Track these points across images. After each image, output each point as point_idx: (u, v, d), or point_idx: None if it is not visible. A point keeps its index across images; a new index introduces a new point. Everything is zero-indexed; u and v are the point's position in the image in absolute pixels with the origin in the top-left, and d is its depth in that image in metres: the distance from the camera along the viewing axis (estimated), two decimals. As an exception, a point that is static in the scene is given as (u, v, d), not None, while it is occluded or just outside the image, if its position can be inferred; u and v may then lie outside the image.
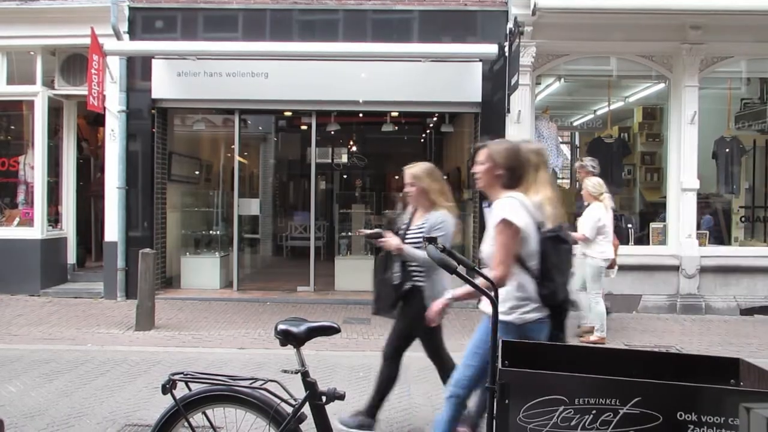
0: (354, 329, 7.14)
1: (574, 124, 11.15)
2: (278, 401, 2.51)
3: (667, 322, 7.86)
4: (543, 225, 3.13)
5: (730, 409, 1.95)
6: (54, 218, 9.40)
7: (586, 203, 6.81)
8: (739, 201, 9.38)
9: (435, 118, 11.15)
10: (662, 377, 2.20)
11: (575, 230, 6.65)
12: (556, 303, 3.05)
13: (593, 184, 6.71)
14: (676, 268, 8.47)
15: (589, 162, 7.09)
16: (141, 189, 8.79)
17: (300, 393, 2.56)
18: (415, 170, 4.06)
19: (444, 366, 4.06)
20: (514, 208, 2.91)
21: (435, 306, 3.28)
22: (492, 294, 2.47)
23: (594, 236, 6.56)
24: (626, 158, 9.52)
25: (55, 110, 9.30)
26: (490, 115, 8.59)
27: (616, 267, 7.15)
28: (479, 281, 2.56)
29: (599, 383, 2.08)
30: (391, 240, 3.97)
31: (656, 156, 9.55)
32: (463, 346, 6.14)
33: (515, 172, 3.05)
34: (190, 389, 2.58)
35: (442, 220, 3.93)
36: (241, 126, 9.49)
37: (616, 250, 7.03)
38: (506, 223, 2.87)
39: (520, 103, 8.36)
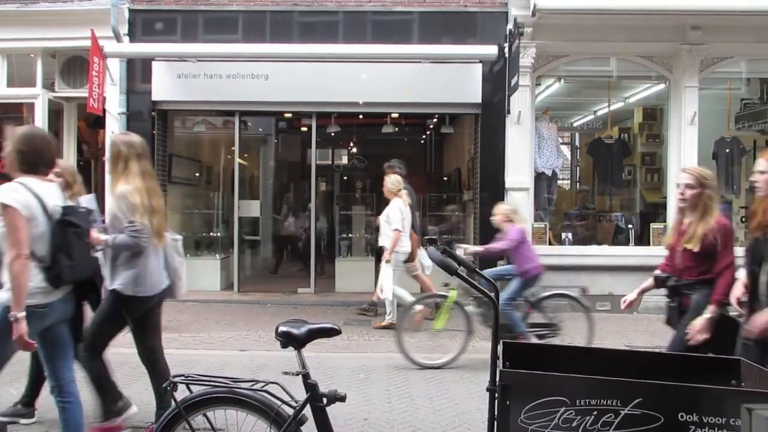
0: (354, 331, 7.13)
1: (575, 124, 11.16)
2: (279, 403, 2.51)
3: (668, 323, 7.84)
4: (58, 210, 3.24)
5: (732, 409, 1.95)
6: (54, 220, 9.38)
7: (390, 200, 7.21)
8: (740, 201, 9.38)
9: (435, 120, 11.15)
10: (663, 378, 2.19)
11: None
12: (62, 284, 3.22)
13: (392, 181, 7.14)
14: (676, 269, 8.46)
15: (396, 163, 7.69)
16: (141, 191, 8.78)
17: (301, 395, 2.56)
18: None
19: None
20: (13, 192, 3.06)
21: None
22: (492, 295, 2.47)
23: (403, 228, 6.91)
24: (626, 159, 9.53)
25: (55, 112, 9.29)
26: (490, 116, 8.59)
27: (417, 261, 7.49)
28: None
29: (600, 384, 2.08)
30: None
31: (656, 156, 9.55)
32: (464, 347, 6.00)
33: (27, 157, 3.20)
34: (191, 391, 2.58)
35: None
36: (242, 128, 9.50)
37: (416, 245, 7.33)
38: (4, 207, 3.01)
39: (520, 104, 8.36)
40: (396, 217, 6.93)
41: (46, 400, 4.70)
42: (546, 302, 5.99)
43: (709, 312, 3.57)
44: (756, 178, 3.54)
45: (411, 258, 7.28)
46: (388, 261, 6.79)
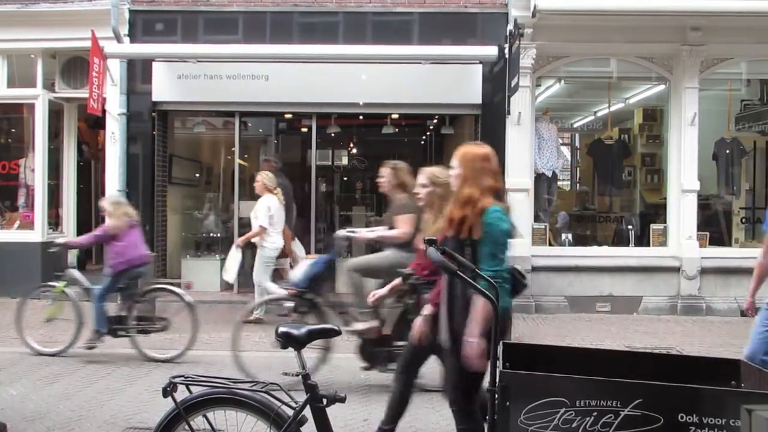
0: (355, 331, 7.12)
1: (575, 125, 11.16)
2: (279, 404, 2.50)
3: (667, 324, 7.86)
4: None
5: (731, 410, 1.95)
6: (54, 221, 9.40)
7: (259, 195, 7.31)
8: (740, 202, 9.38)
9: (435, 120, 11.14)
10: (663, 379, 2.20)
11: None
12: None
13: (268, 177, 7.25)
14: (676, 270, 8.46)
15: (273, 157, 7.80)
16: (141, 192, 8.79)
17: (301, 396, 2.56)
18: None
19: None
20: None
21: None
22: (492, 296, 2.47)
23: (268, 225, 7.05)
24: (626, 160, 9.53)
25: (55, 113, 9.30)
26: (491, 117, 8.59)
27: (296, 257, 7.78)
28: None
29: (600, 385, 2.08)
30: None
31: (656, 157, 9.55)
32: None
33: None
34: (190, 392, 2.58)
35: None
36: (242, 128, 9.49)
37: (289, 241, 7.54)
38: None
39: (521, 104, 8.36)
40: (262, 214, 7.04)
41: (46, 401, 4.71)
42: (150, 296, 6.15)
43: (425, 311, 3.53)
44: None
45: (284, 254, 7.48)
46: (238, 246, 7.13)
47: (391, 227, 5.05)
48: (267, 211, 7.06)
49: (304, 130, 10.31)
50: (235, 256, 7.27)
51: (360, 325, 4.97)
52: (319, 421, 2.55)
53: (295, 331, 2.59)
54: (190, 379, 2.56)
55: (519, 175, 8.49)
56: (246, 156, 11.12)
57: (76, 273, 6.36)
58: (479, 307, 2.86)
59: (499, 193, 3.15)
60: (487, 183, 3.06)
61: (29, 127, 9.22)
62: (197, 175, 11.02)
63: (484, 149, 3.21)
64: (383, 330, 4.88)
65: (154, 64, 8.64)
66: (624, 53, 8.71)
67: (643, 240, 9.01)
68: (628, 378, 2.13)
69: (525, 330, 7.42)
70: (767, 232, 4.27)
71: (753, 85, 9.56)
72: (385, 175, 5.24)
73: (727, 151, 9.05)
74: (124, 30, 8.55)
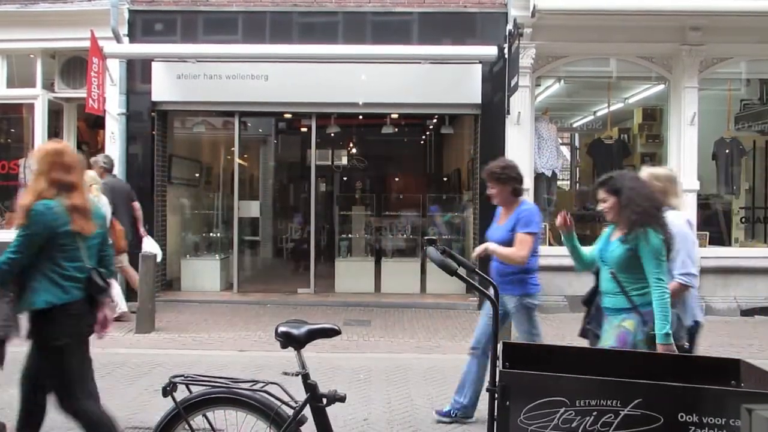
0: (354, 331, 7.14)
1: (574, 125, 11.16)
2: (279, 403, 2.51)
3: (667, 324, 7.84)
4: None
5: (731, 410, 1.95)
6: (54, 221, 9.38)
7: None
8: (740, 202, 9.38)
9: (435, 120, 11.15)
10: (663, 378, 2.20)
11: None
12: None
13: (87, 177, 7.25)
14: (676, 269, 8.45)
15: (101, 158, 7.69)
16: (141, 192, 8.78)
17: (301, 395, 2.56)
18: None
19: None
20: None
21: None
22: (492, 295, 2.47)
23: None
24: (626, 159, 9.52)
25: (55, 113, 9.30)
26: (490, 116, 8.59)
27: (125, 253, 7.71)
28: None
29: (600, 384, 2.08)
30: None
31: (656, 157, 9.54)
32: (464, 347, 6.08)
33: None
34: (190, 392, 2.58)
35: None
36: (241, 128, 9.49)
37: (121, 236, 7.50)
38: None
39: (520, 104, 8.36)
40: None
41: (53, 401, 4.70)
42: None
43: None
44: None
45: (118, 251, 7.48)
46: None
47: None
48: None
49: (304, 130, 10.32)
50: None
51: None
52: (319, 420, 2.55)
53: (295, 331, 2.60)
54: (190, 378, 2.56)
55: (519, 175, 8.49)
56: (246, 156, 11.13)
57: None
58: None
59: (70, 186, 3.22)
60: (55, 176, 3.19)
61: (29, 127, 9.21)
62: (197, 175, 11.02)
63: (58, 145, 3.36)
64: None
65: (153, 64, 8.64)
66: (624, 53, 8.71)
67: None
68: (628, 378, 2.12)
69: (525, 330, 7.41)
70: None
71: (753, 84, 9.56)
72: None
73: (727, 151, 9.05)
74: (123, 30, 8.54)
